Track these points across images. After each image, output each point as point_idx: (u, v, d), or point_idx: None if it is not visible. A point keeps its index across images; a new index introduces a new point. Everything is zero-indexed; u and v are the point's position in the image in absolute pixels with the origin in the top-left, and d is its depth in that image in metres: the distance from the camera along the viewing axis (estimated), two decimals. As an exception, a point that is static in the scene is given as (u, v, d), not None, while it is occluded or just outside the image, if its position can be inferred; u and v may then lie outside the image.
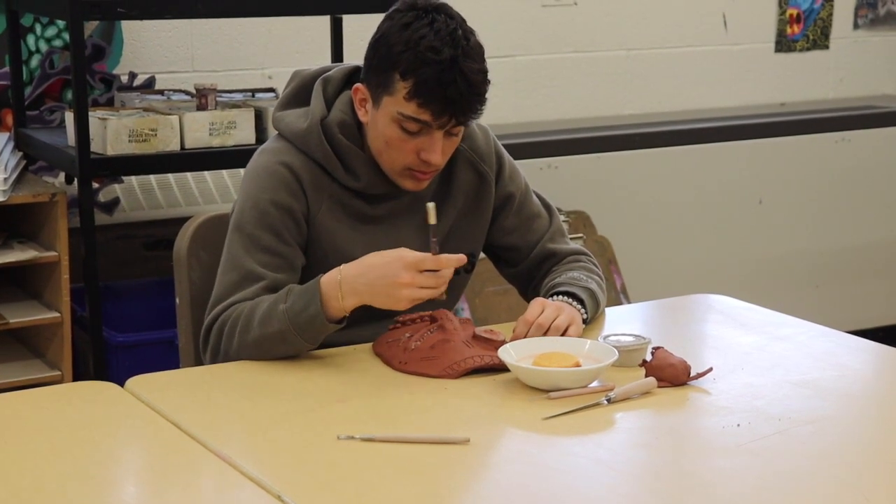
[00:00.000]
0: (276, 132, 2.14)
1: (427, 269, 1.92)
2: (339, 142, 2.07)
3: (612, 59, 4.21)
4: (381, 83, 2.00)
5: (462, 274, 2.16)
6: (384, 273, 1.92)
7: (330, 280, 1.96)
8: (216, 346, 2.03)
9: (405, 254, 1.93)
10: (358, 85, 2.06)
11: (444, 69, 1.95)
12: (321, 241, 2.09)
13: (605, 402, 1.80)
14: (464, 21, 2.02)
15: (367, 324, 2.05)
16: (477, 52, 2.00)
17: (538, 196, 2.28)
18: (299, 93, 2.14)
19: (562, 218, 2.34)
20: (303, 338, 1.96)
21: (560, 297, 2.10)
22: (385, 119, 2.01)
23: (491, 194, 2.19)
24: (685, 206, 4.18)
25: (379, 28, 2.04)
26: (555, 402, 1.81)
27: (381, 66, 2.00)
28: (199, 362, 2.17)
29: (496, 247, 2.25)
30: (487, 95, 2.01)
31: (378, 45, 2.02)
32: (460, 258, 1.94)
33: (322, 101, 2.09)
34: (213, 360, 2.04)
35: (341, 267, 1.97)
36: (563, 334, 2.00)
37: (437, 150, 2.01)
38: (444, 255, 1.93)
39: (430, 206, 1.99)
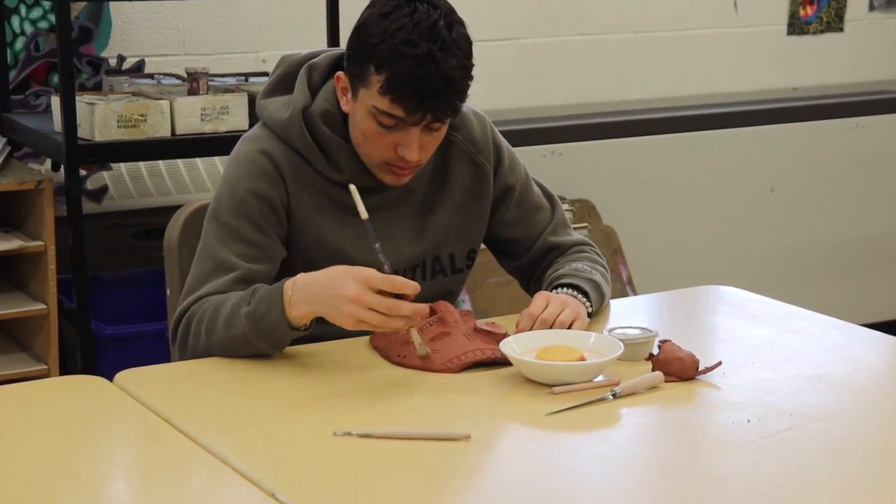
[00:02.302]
0: (260, 121, 2.11)
1: (381, 290, 1.83)
2: (321, 132, 2.04)
3: (619, 42, 4.20)
4: (358, 74, 1.97)
5: (465, 271, 2.18)
6: (335, 284, 1.86)
7: (287, 285, 1.91)
8: (183, 342, 2.00)
9: (362, 270, 1.86)
10: (339, 73, 2.03)
11: (418, 64, 1.89)
12: (304, 232, 2.06)
13: (611, 396, 1.80)
14: (451, 11, 1.96)
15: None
16: (459, 45, 1.93)
17: (540, 186, 2.26)
18: (285, 79, 2.11)
19: (566, 207, 2.32)
20: (265, 342, 1.93)
21: (564, 289, 2.08)
22: (361, 111, 1.98)
23: (489, 187, 2.17)
24: (694, 195, 4.21)
25: (361, 15, 1.99)
26: (558, 397, 1.80)
27: (358, 57, 1.96)
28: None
29: (497, 240, 2.23)
30: (465, 95, 1.96)
31: (357, 33, 1.98)
32: (414, 287, 1.84)
33: (306, 90, 2.06)
34: (182, 357, 2.01)
35: (301, 273, 1.93)
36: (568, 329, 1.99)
37: (414, 147, 1.96)
38: (398, 278, 1.85)
39: (353, 189, 1.94)
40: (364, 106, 1.96)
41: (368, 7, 1.97)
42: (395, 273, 1.97)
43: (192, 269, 2.04)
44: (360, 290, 1.83)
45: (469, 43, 1.96)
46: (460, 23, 1.96)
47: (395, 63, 1.90)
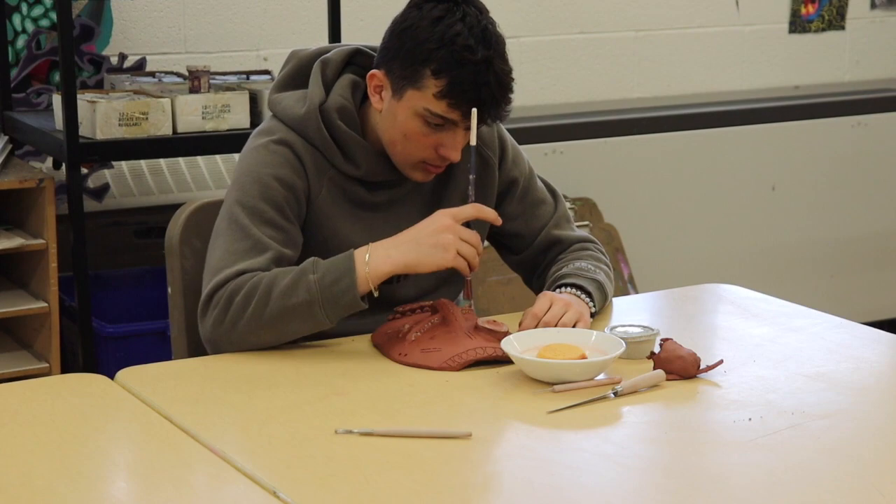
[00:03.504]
0: (272, 114, 2.11)
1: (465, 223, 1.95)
2: (337, 128, 2.04)
3: (620, 41, 4.20)
4: (408, 76, 1.98)
5: None
6: (423, 225, 1.95)
7: (360, 250, 1.95)
8: (221, 314, 1.96)
9: (444, 210, 1.97)
10: (374, 71, 2.03)
11: (479, 71, 1.94)
12: (321, 224, 2.06)
13: (612, 395, 1.80)
14: (487, 10, 2.01)
15: (367, 314, 2.02)
16: (504, 48, 2.00)
17: (543, 181, 2.27)
18: (296, 74, 2.11)
19: (567, 205, 2.34)
20: (327, 312, 1.93)
21: (568, 289, 2.08)
22: (407, 112, 1.99)
23: (495, 179, 2.17)
24: (695, 193, 4.20)
25: (405, 17, 2.00)
26: (560, 396, 1.80)
27: (408, 60, 1.97)
28: (192, 353, 2.15)
29: (500, 234, 2.23)
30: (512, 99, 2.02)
31: (405, 36, 1.98)
32: (496, 216, 1.99)
33: (321, 85, 2.06)
34: (215, 331, 1.97)
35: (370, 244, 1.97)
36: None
37: (458, 147, 2.01)
38: (481, 206, 1.99)
39: (474, 112, 1.97)
40: (412, 107, 1.98)
41: (412, 9, 1.99)
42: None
43: (218, 248, 2.01)
44: (452, 221, 1.93)
45: (505, 42, 2.02)
46: (495, 23, 2.01)
47: (455, 70, 1.93)
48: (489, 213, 1.99)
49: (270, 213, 2.00)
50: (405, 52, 1.97)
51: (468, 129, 2.00)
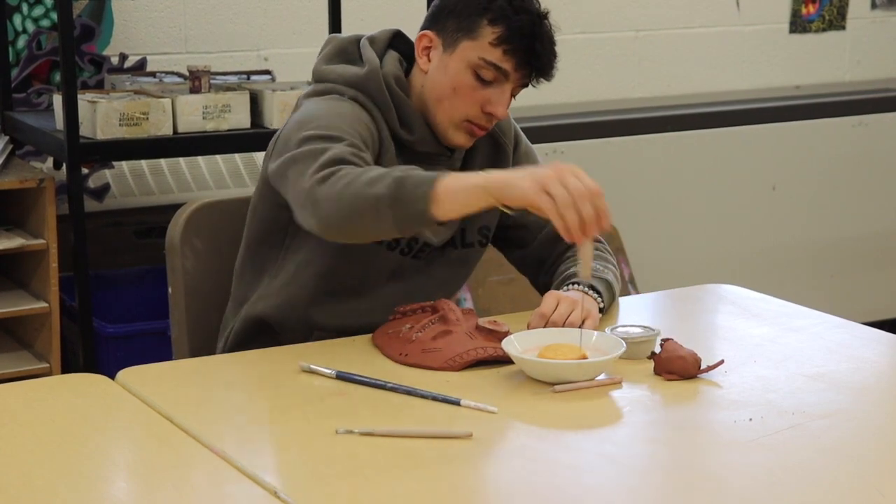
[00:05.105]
0: (321, 82, 2.08)
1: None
2: (394, 92, 2.07)
3: (621, 41, 4.20)
4: (463, 27, 2.02)
5: (476, 247, 2.18)
6: (538, 166, 1.88)
7: (454, 174, 1.82)
8: (328, 178, 1.86)
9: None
10: (425, 31, 2.07)
11: (533, 22, 2.02)
12: None
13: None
14: None
15: (366, 312, 2.03)
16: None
17: None
18: (340, 52, 2.13)
19: None
20: (394, 212, 1.80)
21: (577, 286, 2.08)
22: (459, 64, 2.02)
23: (508, 166, 2.18)
24: (696, 193, 4.19)
25: None
26: (560, 396, 1.79)
27: (465, 11, 2.03)
28: (192, 353, 2.15)
29: (507, 225, 2.22)
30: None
31: None
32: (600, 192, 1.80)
33: (374, 55, 2.09)
34: (311, 195, 1.86)
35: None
36: (579, 328, 1.98)
37: (505, 104, 2.04)
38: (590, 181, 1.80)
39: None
40: (465, 58, 2.01)
41: None
42: (436, 249, 2.08)
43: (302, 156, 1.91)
44: (571, 169, 1.76)
45: None
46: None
47: (514, 17, 2.00)
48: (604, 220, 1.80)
49: (349, 127, 1.95)
50: (462, 5, 2.03)
51: (515, 85, 2.03)
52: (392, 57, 2.10)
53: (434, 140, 2.09)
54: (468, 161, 2.16)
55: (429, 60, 2.06)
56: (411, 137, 2.08)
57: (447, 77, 2.03)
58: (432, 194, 1.79)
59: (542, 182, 1.75)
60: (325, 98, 2.06)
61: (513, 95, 2.07)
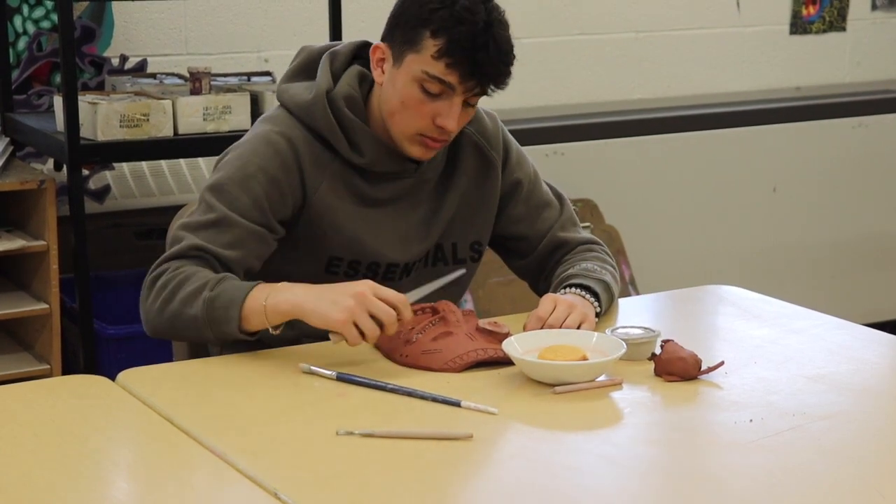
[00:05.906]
0: (278, 104, 2.11)
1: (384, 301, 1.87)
2: (344, 115, 2.04)
3: (621, 42, 4.19)
4: (408, 40, 1.98)
5: (468, 263, 2.16)
6: (342, 285, 1.90)
7: (263, 288, 1.92)
8: (147, 296, 1.97)
9: (366, 281, 1.90)
10: (378, 44, 2.04)
11: (478, 31, 1.94)
12: (321, 219, 2.05)
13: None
14: None
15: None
16: (504, 18, 2.00)
17: (549, 186, 2.26)
18: (305, 67, 2.12)
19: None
20: (214, 332, 1.92)
21: (573, 289, 2.08)
22: (406, 78, 1.98)
23: (497, 181, 2.16)
24: (696, 195, 4.19)
25: None
26: (561, 397, 1.79)
27: (410, 23, 1.98)
28: (193, 355, 2.16)
29: (504, 237, 2.22)
30: (512, 71, 2.00)
31: (407, 1, 1.99)
32: (405, 304, 1.88)
33: (329, 75, 2.07)
34: (142, 305, 1.98)
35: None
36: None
37: (454, 117, 1.98)
38: (398, 295, 1.88)
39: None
40: (410, 72, 1.97)
41: None
42: (406, 266, 2.07)
43: (189, 216, 2.02)
44: (369, 291, 1.85)
45: (509, 27, 2.02)
46: (502, 9, 2.02)
47: (454, 28, 1.93)
48: (406, 312, 1.88)
49: (244, 200, 1.98)
50: (407, 17, 1.98)
51: (465, 102, 1.98)
52: (350, 74, 2.06)
53: (390, 159, 2.06)
54: (453, 178, 2.13)
55: (383, 73, 2.02)
56: (362, 160, 2.05)
57: (396, 91, 1.99)
58: (241, 315, 1.89)
59: (344, 309, 1.84)
60: (258, 138, 2.03)
61: (470, 104, 2.01)
